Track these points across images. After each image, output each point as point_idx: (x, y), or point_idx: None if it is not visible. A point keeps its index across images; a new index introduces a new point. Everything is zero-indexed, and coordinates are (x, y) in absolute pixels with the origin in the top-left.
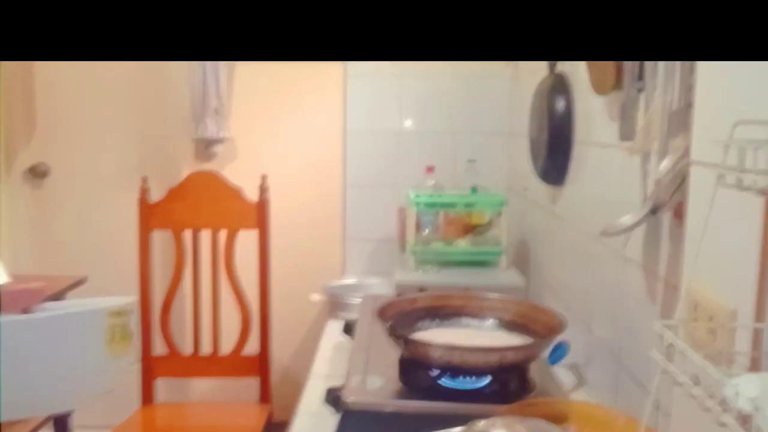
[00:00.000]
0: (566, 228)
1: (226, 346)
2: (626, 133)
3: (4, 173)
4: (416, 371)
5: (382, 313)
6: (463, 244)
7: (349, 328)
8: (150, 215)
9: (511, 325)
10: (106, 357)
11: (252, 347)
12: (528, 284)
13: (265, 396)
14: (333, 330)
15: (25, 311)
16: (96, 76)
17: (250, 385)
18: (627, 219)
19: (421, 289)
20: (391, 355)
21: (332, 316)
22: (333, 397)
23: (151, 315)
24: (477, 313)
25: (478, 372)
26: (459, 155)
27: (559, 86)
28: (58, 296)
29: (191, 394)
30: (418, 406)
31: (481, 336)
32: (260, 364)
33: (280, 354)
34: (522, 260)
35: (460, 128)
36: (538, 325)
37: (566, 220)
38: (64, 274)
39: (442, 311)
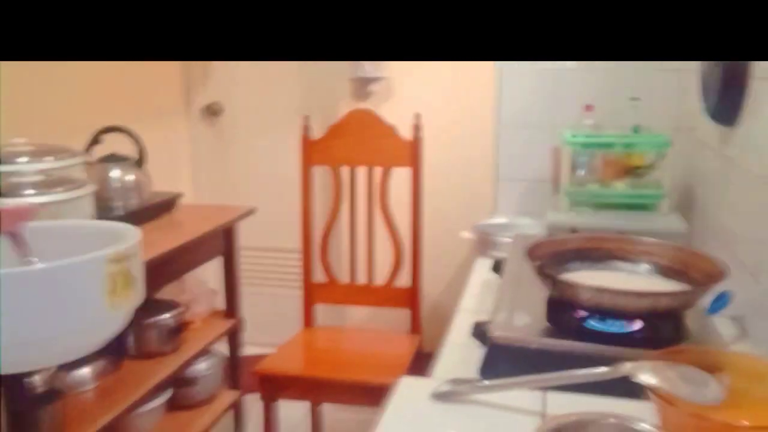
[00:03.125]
0: (738, 171)
1: (380, 278)
2: None
3: (185, 111)
4: (564, 311)
5: (532, 252)
6: (621, 187)
7: (498, 267)
8: (311, 152)
9: (667, 271)
10: (107, 309)
11: (404, 280)
12: (691, 230)
13: (415, 327)
14: (482, 268)
15: (13, 233)
16: None
17: (401, 315)
18: None
19: (574, 231)
20: (539, 293)
21: (482, 254)
22: (479, 331)
23: (312, 245)
24: (631, 257)
25: (628, 316)
26: (621, 93)
27: None
28: (230, 224)
29: (346, 320)
30: (564, 345)
31: (634, 280)
32: (411, 297)
33: (429, 288)
34: (686, 205)
35: (623, 63)
36: (697, 273)
37: (738, 163)
38: (236, 203)
39: (594, 253)
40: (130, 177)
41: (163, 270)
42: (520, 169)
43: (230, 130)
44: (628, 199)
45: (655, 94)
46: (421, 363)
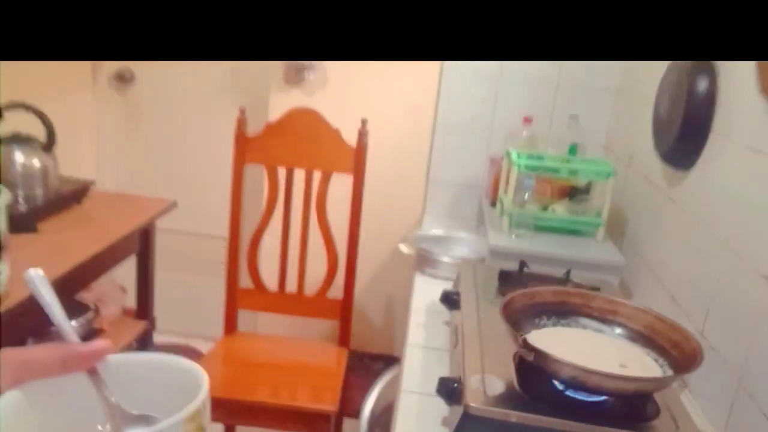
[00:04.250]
0: (684, 217)
1: (311, 288)
2: None
3: (90, 78)
4: (539, 380)
5: (506, 310)
6: (560, 210)
7: (448, 300)
8: (245, 149)
9: (635, 336)
10: None
11: (336, 291)
12: (625, 260)
13: (344, 339)
14: (421, 288)
15: (92, 371)
16: None
17: (328, 324)
18: None
19: (522, 264)
20: (505, 348)
21: (420, 271)
22: (447, 389)
23: (240, 248)
24: (597, 316)
25: (609, 394)
26: (558, 107)
27: (703, 66)
28: (148, 224)
29: (266, 322)
30: (542, 422)
31: (604, 344)
32: (343, 309)
33: (358, 296)
34: (615, 230)
35: (563, 78)
36: (666, 342)
37: (685, 209)
38: (146, 184)
39: (560, 308)
40: (35, 163)
41: (74, 278)
42: (452, 174)
43: (144, 105)
44: (567, 225)
45: (591, 111)
46: (348, 374)
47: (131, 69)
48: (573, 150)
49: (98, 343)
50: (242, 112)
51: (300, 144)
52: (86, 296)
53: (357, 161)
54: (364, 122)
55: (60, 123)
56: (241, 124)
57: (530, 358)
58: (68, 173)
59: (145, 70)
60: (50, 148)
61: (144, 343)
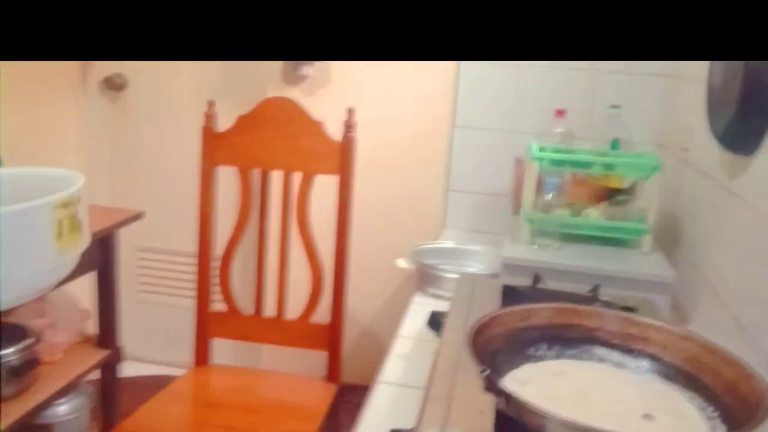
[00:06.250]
0: (748, 211)
1: (293, 310)
2: None
3: (80, 83)
4: None
5: (478, 336)
6: (595, 215)
7: (435, 323)
8: (215, 147)
9: (673, 373)
10: (55, 253)
11: (323, 315)
12: (678, 277)
13: (333, 374)
14: (418, 312)
15: None
16: None
17: (317, 356)
18: None
19: (536, 278)
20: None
21: (421, 290)
22: None
23: (210, 266)
24: (619, 344)
25: None
26: (597, 98)
27: None
28: (111, 231)
29: (254, 357)
30: None
31: (625, 384)
32: (331, 337)
33: (351, 323)
34: (669, 242)
35: (601, 63)
36: (717, 383)
37: (750, 201)
38: (131, 200)
39: (567, 333)
40: None
41: None
42: (474, 180)
43: (134, 109)
44: (603, 232)
45: (638, 101)
46: (338, 412)
47: (123, 74)
48: (615, 145)
49: None
50: (211, 105)
51: (276, 140)
52: (37, 319)
53: (343, 158)
54: (350, 112)
55: (45, 128)
56: (209, 119)
57: (501, 406)
58: None
59: (136, 74)
60: None
61: (109, 375)
